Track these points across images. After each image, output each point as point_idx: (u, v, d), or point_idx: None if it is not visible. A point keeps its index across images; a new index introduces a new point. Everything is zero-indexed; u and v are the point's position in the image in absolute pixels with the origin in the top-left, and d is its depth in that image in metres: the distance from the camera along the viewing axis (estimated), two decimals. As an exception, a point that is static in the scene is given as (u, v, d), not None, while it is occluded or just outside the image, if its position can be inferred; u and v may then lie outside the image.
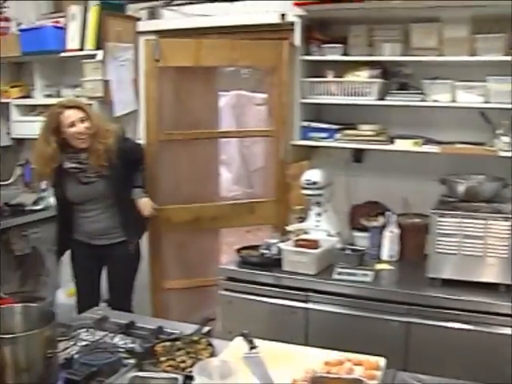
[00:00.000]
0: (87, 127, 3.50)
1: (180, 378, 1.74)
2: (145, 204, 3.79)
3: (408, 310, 2.98)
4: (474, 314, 2.87)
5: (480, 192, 3.19)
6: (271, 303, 3.28)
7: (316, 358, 2.01)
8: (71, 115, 3.48)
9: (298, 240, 3.39)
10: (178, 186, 4.29)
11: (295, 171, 3.95)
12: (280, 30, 3.78)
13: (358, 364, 1.96)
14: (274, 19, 3.76)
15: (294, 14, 3.56)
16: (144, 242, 3.99)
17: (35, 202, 4.50)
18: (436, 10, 3.24)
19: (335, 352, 2.07)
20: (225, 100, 8.18)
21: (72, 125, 3.47)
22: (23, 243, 4.46)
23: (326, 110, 3.77)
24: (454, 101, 3.33)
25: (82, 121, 3.50)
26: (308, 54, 3.57)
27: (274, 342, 2.21)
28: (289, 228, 3.65)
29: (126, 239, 3.73)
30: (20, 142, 4.85)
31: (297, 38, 3.49)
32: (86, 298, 3.69)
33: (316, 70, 3.62)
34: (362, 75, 3.47)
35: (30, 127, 4.46)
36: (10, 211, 4.43)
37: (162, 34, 4.21)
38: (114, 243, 3.72)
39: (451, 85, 3.32)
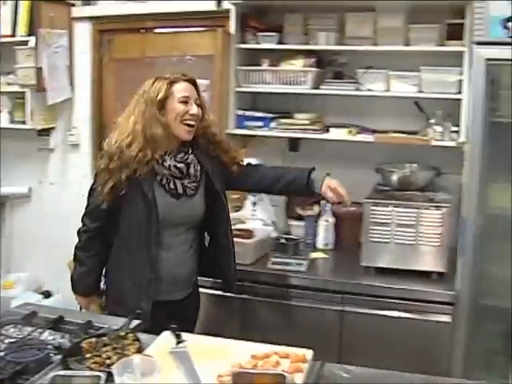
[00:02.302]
0: (198, 114, 2.55)
1: (103, 375, 1.69)
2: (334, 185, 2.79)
3: (342, 298, 3.00)
4: (408, 302, 2.91)
5: (413, 181, 3.23)
6: (206, 293, 3.23)
7: (245, 352, 1.99)
8: (187, 88, 2.52)
9: (232, 230, 3.36)
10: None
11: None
12: (216, 17, 3.72)
13: (285, 357, 1.94)
14: (211, 6, 3.70)
15: (230, 2, 3.51)
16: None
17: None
18: (371, -1, 3.25)
19: (263, 345, 2.05)
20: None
21: (185, 101, 2.50)
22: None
23: (262, 99, 3.75)
24: (388, 90, 3.36)
25: (197, 105, 2.55)
26: (244, 42, 3.54)
27: (203, 336, 2.17)
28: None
29: (194, 289, 2.82)
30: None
31: (232, 25, 3.45)
32: None
33: (252, 58, 3.60)
34: (298, 64, 3.46)
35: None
36: None
37: (97, 20, 4.13)
38: (186, 296, 2.74)
39: (385, 74, 3.35)
